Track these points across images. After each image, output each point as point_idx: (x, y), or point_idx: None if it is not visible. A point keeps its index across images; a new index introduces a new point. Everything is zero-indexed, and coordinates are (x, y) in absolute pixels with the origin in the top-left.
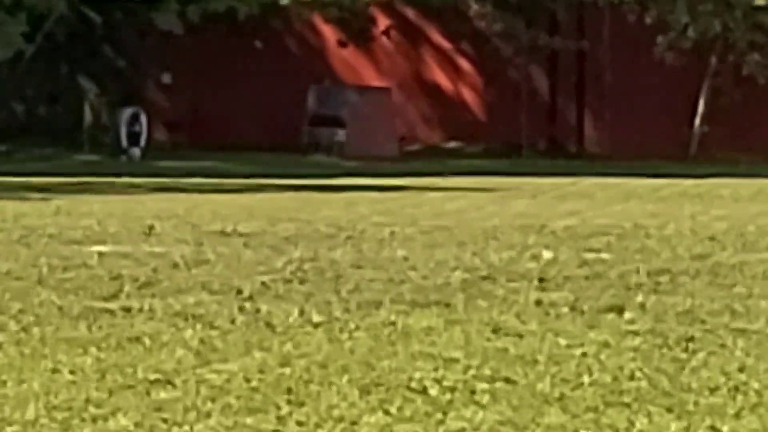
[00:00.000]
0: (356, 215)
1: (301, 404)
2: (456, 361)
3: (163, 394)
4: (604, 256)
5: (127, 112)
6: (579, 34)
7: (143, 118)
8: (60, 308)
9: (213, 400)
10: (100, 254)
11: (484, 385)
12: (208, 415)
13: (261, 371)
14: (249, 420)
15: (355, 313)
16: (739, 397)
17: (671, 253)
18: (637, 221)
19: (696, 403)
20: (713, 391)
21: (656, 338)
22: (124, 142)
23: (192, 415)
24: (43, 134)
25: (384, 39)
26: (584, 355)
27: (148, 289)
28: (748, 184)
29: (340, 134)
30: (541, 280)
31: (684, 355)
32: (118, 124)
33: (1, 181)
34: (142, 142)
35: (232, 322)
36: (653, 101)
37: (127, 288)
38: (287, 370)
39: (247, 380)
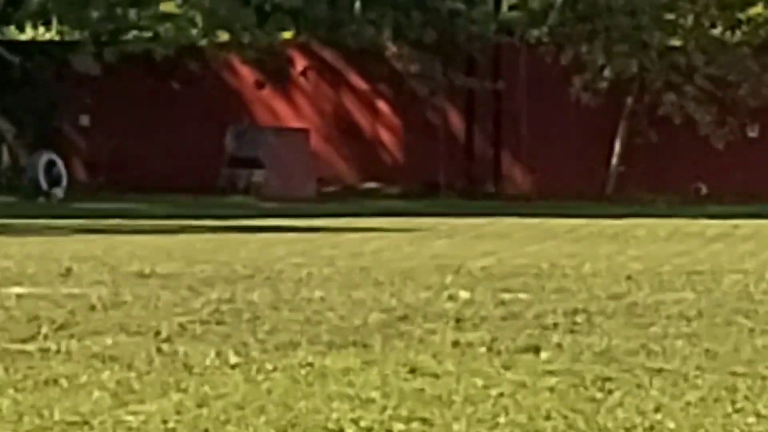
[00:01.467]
0: (274, 256)
1: None
2: (373, 401)
3: None
4: (521, 296)
5: (44, 158)
6: (495, 74)
7: (60, 163)
8: None
9: None
10: (18, 296)
11: (401, 426)
12: None
13: (178, 412)
14: None
15: (273, 353)
16: None
17: (588, 293)
18: (554, 261)
19: None
20: (629, 431)
21: (573, 378)
22: (44, 186)
23: None
24: None
25: (302, 80)
26: (500, 395)
27: (65, 331)
28: (664, 224)
29: (258, 175)
30: (457, 320)
31: (600, 395)
32: (36, 169)
33: None
34: (63, 183)
35: (150, 363)
36: (570, 141)
37: (44, 330)
38: (204, 411)
39: (164, 421)
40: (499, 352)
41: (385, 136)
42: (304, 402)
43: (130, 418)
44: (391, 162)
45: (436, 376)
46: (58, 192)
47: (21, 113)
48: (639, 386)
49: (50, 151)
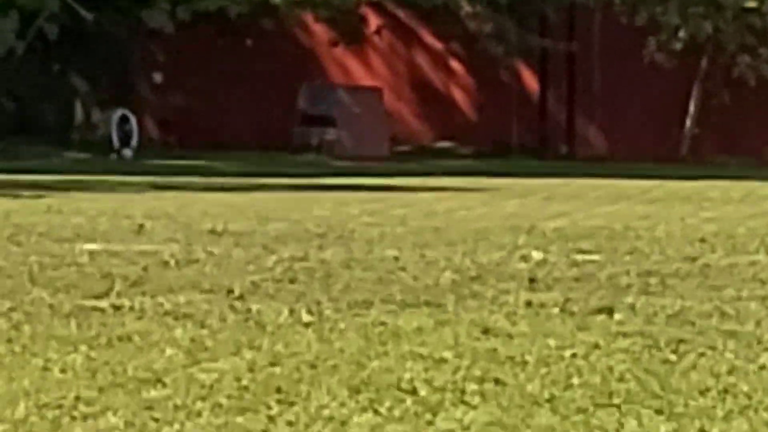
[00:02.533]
0: (346, 215)
1: (291, 404)
2: (446, 361)
3: (153, 393)
4: (595, 257)
5: (117, 114)
6: (569, 35)
7: (133, 120)
8: (51, 306)
9: (203, 399)
10: (91, 252)
11: (474, 386)
12: (199, 414)
13: (251, 370)
14: (239, 419)
15: (346, 312)
16: (729, 400)
17: (661, 255)
18: (627, 223)
19: (686, 405)
20: (703, 393)
21: (646, 340)
22: (116, 143)
23: (182, 413)
24: (34, 132)
25: (375, 39)
26: (574, 356)
27: (138, 288)
28: (738, 186)
29: (331, 134)
30: (531, 281)
31: (674, 357)
32: (109, 125)
33: None
34: (134, 142)
35: (223, 321)
36: (644, 103)
37: (117, 286)
38: (277, 370)
39: (238, 379)
40: (572, 313)
41: (458, 95)
42: (377, 361)
43: (203, 375)
44: (464, 122)
45: (510, 336)
46: (128, 152)
47: (94, 70)
48: (712, 348)
49: (123, 108)
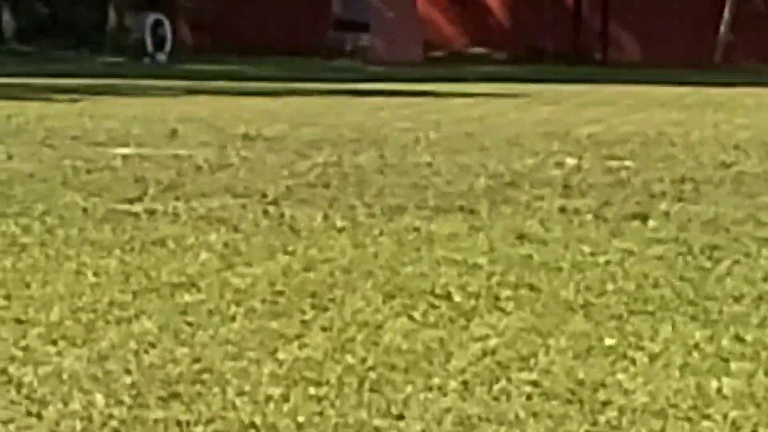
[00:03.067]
0: (380, 120)
1: (325, 309)
2: (480, 267)
3: (187, 297)
4: (628, 163)
5: (150, 18)
6: None
7: (167, 24)
8: (84, 210)
9: (237, 304)
10: (124, 156)
11: (508, 292)
12: (233, 318)
13: (285, 275)
14: (273, 324)
15: (379, 217)
16: (764, 306)
17: (695, 162)
18: (660, 129)
19: (720, 312)
20: (737, 299)
21: (680, 246)
22: (149, 47)
23: (216, 318)
24: (66, 36)
25: None
26: (608, 262)
27: (171, 192)
28: None
29: (365, 39)
30: (564, 187)
31: (708, 264)
32: (142, 29)
33: (24, 82)
34: (167, 47)
35: (256, 225)
36: (678, 9)
37: (150, 191)
38: (311, 275)
39: (271, 284)
40: (606, 220)
41: (492, 0)
42: (411, 267)
43: (236, 280)
44: (497, 27)
45: (544, 242)
46: (161, 56)
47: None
48: (747, 255)
49: (156, 12)
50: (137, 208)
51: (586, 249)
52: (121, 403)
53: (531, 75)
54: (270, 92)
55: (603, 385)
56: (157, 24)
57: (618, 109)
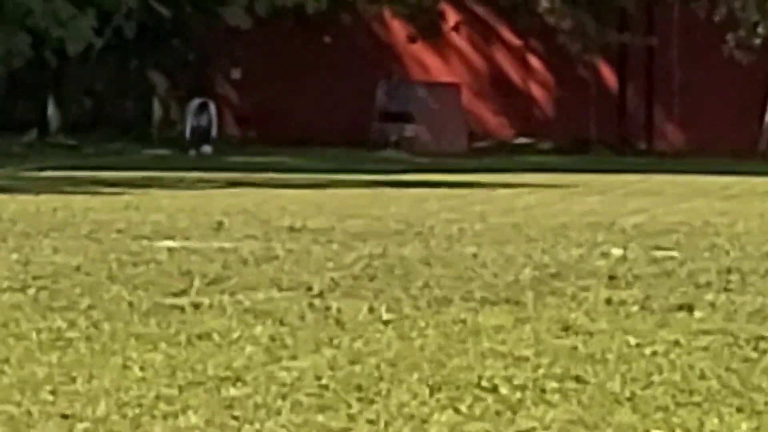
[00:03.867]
0: (425, 211)
1: (372, 402)
2: (526, 359)
3: (233, 391)
4: (674, 254)
5: (194, 103)
6: (648, 30)
7: (212, 108)
8: (130, 304)
9: (283, 398)
10: (170, 250)
11: (554, 384)
12: (279, 412)
13: (331, 368)
14: (320, 418)
15: (425, 310)
16: None
17: (741, 252)
18: (706, 219)
19: (766, 403)
20: None
21: (726, 337)
22: (190, 133)
23: (262, 412)
24: (112, 128)
25: (453, 35)
26: (654, 353)
27: (217, 285)
28: None
29: (409, 130)
30: (610, 277)
31: (755, 355)
32: (186, 115)
33: (71, 175)
34: (213, 132)
35: (302, 318)
36: (722, 98)
37: (196, 284)
38: (357, 368)
39: (318, 377)
40: (652, 310)
41: (537, 91)
42: (457, 359)
43: (283, 373)
44: (542, 117)
45: (590, 333)
46: (207, 148)
47: (172, 66)
48: None
49: (202, 97)
50: (183, 301)
51: (632, 340)
52: None
53: (576, 165)
54: (315, 184)
55: None
56: (202, 108)
57: (663, 199)
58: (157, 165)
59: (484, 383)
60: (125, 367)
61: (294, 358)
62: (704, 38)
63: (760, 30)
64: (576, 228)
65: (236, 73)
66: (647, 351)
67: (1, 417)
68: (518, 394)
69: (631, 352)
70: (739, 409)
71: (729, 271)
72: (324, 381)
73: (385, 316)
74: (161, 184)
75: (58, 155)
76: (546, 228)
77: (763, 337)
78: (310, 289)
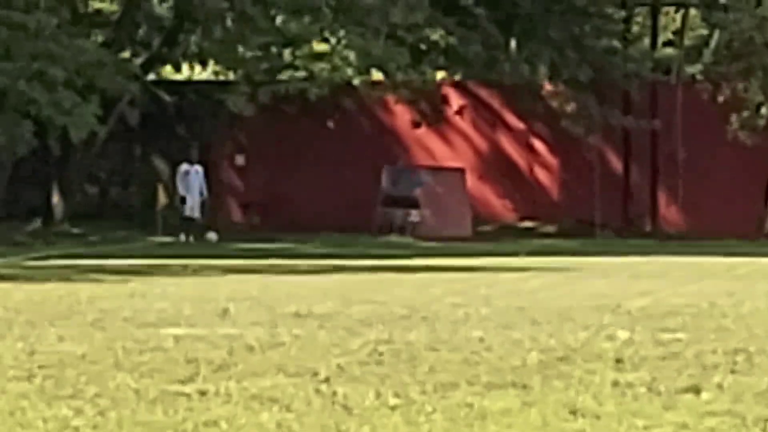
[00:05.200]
0: (431, 296)
1: None
2: None
3: None
4: (680, 335)
5: (183, 167)
6: (652, 112)
7: (196, 169)
8: (136, 392)
9: None
10: (175, 337)
11: None
12: None
13: None
14: None
15: (432, 394)
16: None
17: (747, 333)
18: (712, 300)
19: None
20: None
21: (734, 419)
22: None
23: None
24: (116, 216)
25: (457, 119)
26: None
27: (223, 372)
28: None
29: (414, 215)
30: (617, 360)
31: None
32: (176, 180)
33: (76, 263)
34: (205, 193)
35: (309, 404)
36: (727, 180)
37: (202, 371)
38: None
39: None
40: (659, 393)
41: (542, 174)
42: None
43: None
44: (547, 201)
45: (597, 417)
46: (212, 236)
47: (176, 153)
48: None
49: (190, 162)
50: (189, 388)
51: (640, 423)
52: None
53: (581, 248)
54: (320, 269)
55: None
56: (187, 173)
57: (669, 280)
58: (161, 252)
59: None
60: None
61: None
62: (708, 120)
63: (763, 111)
64: (582, 311)
65: (240, 160)
66: None
67: None
68: None
69: None
70: None
71: (736, 352)
72: None
73: (392, 402)
74: (166, 271)
75: (63, 243)
76: (552, 311)
77: None
78: (316, 374)
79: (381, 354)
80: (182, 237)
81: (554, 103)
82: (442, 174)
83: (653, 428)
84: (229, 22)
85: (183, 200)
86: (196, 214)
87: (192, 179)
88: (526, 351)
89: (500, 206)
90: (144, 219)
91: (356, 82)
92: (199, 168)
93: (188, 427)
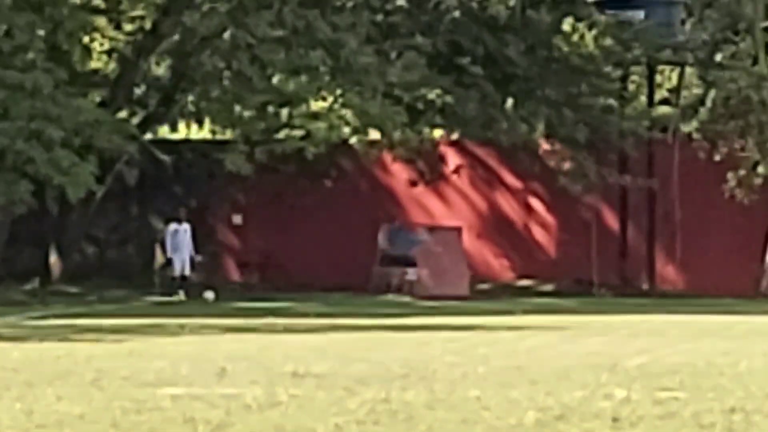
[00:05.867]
0: (428, 355)
1: None
2: None
3: None
4: (678, 394)
5: (171, 227)
6: (649, 171)
7: (184, 228)
8: None
9: None
10: (173, 396)
11: None
12: None
13: None
14: None
15: None
16: None
17: (745, 392)
18: (709, 359)
19: None
20: None
21: None
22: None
23: None
24: (114, 276)
25: (454, 178)
26: None
27: None
28: None
29: (411, 273)
30: (614, 419)
31: None
32: (163, 239)
33: (74, 323)
34: (192, 252)
35: None
36: (724, 238)
37: (200, 430)
38: None
39: None
40: None
41: (539, 233)
42: None
43: None
44: (544, 259)
45: None
46: (210, 295)
47: (174, 212)
48: None
49: (177, 222)
50: None
51: None
52: None
53: (579, 306)
54: (317, 329)
55: None
56: (175, 231)
57: (666, 339)
58: (159, 312)
59: None
60: None
61: None
62: (705, 178)
63: (760, 170)
64: (579, 369)
65: (237, 219)
66: None
67: None
68: None
69: None
70: None
71: (733, 411)
72: None
73: None
74: (164, 331)
75: (60, 303)
76: (549, 370)
77: None
78: None
79: (378, 413)
80: (181, 294)
81: (551, 162)
82: (439, 233)
83: None
84: (226, 82)
85: (169, 261)
86: (188, 272)
87: (181, 238)
88: (523, 410)
89: (498, 265)
90: (141, 278)
91: (353, 141)
92: (187, 226)
93: None
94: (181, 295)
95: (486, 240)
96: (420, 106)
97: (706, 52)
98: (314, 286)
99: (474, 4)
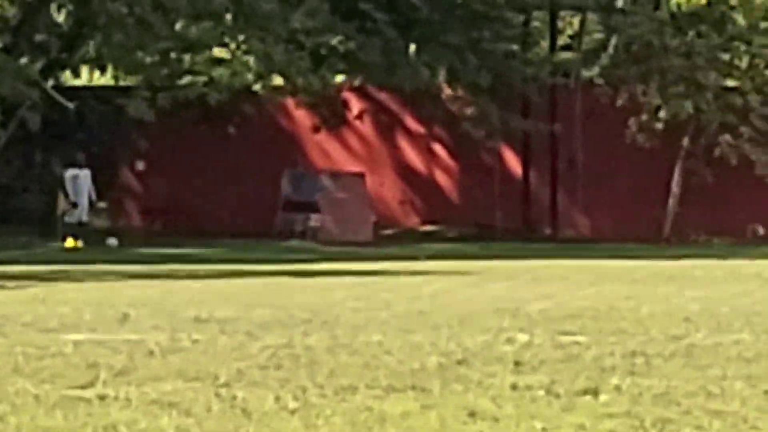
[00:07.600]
0: (331, 300)
1: None
2: None
3: None
4: (579, 338)
5: (69, 173)
6: (551, 116)
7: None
8: (36, 397)
9: None
10: (76, 342)
11: None
12: None
13: None
14: None
15: (331, 398)
16: None
17: (646, 335)
18: (611, 303)
19: None
20: None
21: (632, 420)
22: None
23: None
24: (17, 222)
25: (357, 123)
26: None
27: (123, 377)
28: (721, 265)
29: (315, 219)
30: (516, 363)
31: None
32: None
33: None
34: (93, 197)
35: (209, 409)
36: (626, 183)
37: (102, 376)
38: None
39: None
40: (558, 395)
41: (441, 178)
42: None
43: None
44: (447, 205)
45: (496, 419)
46: (113, 241)
47: (76, 159)
48: (699, 428)
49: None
50: (89, 393)
51: (538, 425)
52: None
53: (481, 252)
54: (221, 274)
55: None
56: (75, 177)
57: (569, 284)
58: (62, 258)
59: None
60: None
61: None
62: (607, 123)
63: (662, 114)
64: (482, 314)
65: (141, 165)
66: None
67: None
68: None
69: None
70: None
71: (634, 354)
72: None
73: (291, 405)
74: (67, 277)
75: None
76: (452, 315)
77: (668, 420)
78: (216, 379)
79: (280, 358)
80: (72, 240)
81: (454, 108)
82: (342, 178)
83: (552, 430)
84: (128, 28)
85: (75, 205)
86: (85, 218)
87: (81, 183)
88: (425, 354)
89: (401, 211)
90: (45, 225)
91: (257, 87)
92: (87, 172)
93: (88, 431)
94: (76, 241)
95: (389, 186)
96: (323, 51)
97: None
98: (218, 232)
99: None
